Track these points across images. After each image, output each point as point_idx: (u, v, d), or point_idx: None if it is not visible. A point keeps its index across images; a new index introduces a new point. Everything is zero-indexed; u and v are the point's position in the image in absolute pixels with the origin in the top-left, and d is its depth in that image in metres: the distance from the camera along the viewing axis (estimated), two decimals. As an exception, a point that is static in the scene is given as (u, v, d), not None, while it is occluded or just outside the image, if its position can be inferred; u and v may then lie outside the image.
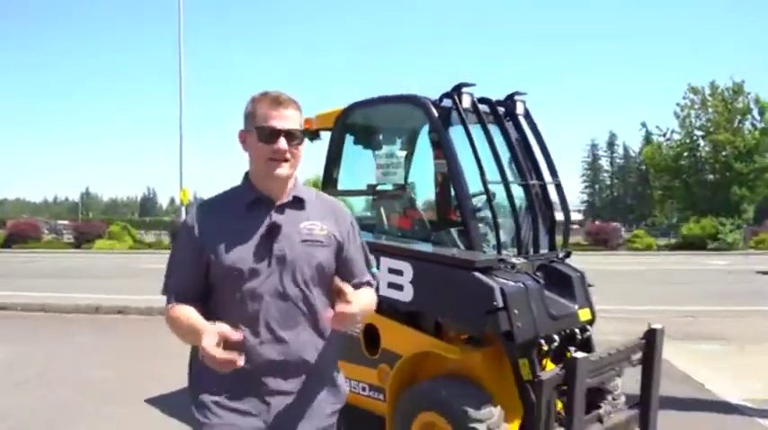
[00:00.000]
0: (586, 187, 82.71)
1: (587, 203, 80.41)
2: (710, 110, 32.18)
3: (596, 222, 36.60)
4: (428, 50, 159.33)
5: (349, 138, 3.91)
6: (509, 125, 3.56)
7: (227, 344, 1.49)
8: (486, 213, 3.31)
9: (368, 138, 4.00)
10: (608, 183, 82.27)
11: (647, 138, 36.57)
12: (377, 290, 1.91)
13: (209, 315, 1.62)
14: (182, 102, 21.59)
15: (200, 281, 1.68)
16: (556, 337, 3.05)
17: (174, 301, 1.68)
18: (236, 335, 1.50)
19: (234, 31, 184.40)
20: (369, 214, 4.00)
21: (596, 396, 3.11)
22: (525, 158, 3.57)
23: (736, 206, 30.14)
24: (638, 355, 3.14)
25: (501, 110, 3.55)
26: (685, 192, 33.19)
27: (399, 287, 3.20)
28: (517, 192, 3.40)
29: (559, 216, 3.69)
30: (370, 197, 4.03)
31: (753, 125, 31.54)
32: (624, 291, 11.59)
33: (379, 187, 3.92)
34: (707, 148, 32.71)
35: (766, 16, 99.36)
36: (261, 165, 1.68)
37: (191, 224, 1.73)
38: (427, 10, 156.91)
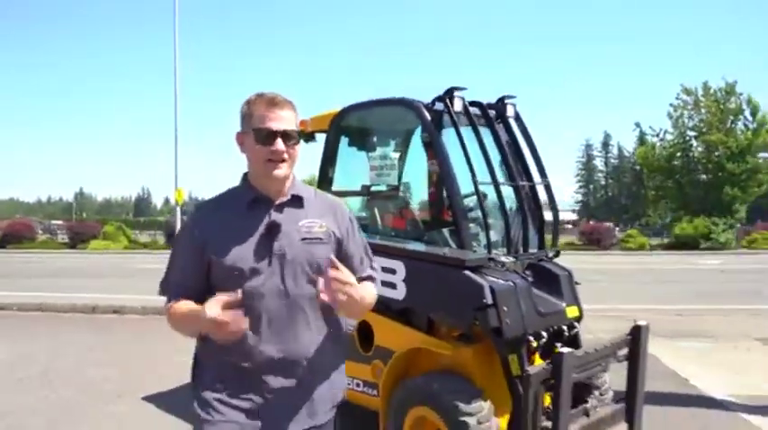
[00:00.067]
0: (581, 187, 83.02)
1: (582, 203, 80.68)
2: (703, 110, 32.35)
3: (591, 222, 36.80)
4: (430, 52, 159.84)
5: (344, 140, 3.99)
6: (500, 127, 3.66)
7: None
8: (477, 213, 3.40)
9: (362, 140, 4.09)
10: (602, 183, 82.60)
11: (642, 139, 36.72)
12: None
13: None
14: (176, 102, 21.56)
15: (200, 280, 1.69)
16: (544, 334, 3.14)
17: (173, 300, 1.70)
18: (233, 295, 1.53)
19: (235, 33, 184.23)
20: (363, 214, 4.09)
21: (584, 390, 3.21)
22: (515, 160, 3.66)
23: (728, 206, 30.31)
24: (625, 351, 3.24)
25: (492, 113, 3.64)
26: (678, 192, 33.35)
27: (392, 285, 3.29)
28: (507, 192, 3.49)
29: (548, 216, 3.79)
30: (365, 197, 4.13)
31: (745, 125, 31.70)
32: (616, 290, 11.73)
33: (372, 188, 4.02)
34: (700, 149, 32.86)
35: (762, 17, 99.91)
36: (259, 166, 1.70)
37: (191, 224, 1.76)
38: (429, 12, 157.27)
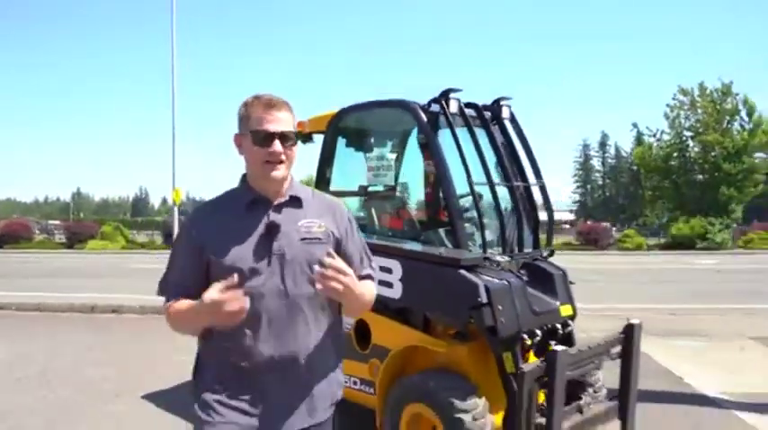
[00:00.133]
0: (578, 187, 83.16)
1: (579, 203, 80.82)
2: (699, 111, 32.47)
3: (588, 222, 36.87)
4: (428, 50, 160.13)
5: (341, 141, 4.03)
6: (495, 129, 3.71)
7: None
8: (473, 213, 3.45)
9: (359, 141, 4.13)
10: (600, 183, 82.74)
11: (639, 139, 36.81)
12: None
13: None
14: (174, 102, 21.55)
15: (199, 281, 1.67)
16: (538, 332, 3.19)
17: (172, 300, 1.71)
18: (230, 279, 1.53)
19: (233, 31, 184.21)
20: (360, 214, 4.13)
21: (577, 388, 3.25)
22: (510, 161, 3.71)
23: (724, 206, 30.41)
24: (618, 349, 3.28)
25: (487, 114, 3.69)
26: (675, 193, 33.46)
27: (389, 284, 3.33)
28: (502, 193, 3.53)
29: (543, 216, 3.84)
30: (362, 198, 4.17)
31: (741, 126, 31.84)
32: (612, 290, 11.80)
33: (370, 188, 4.06)
34: (696, 149, 32.98)
35: (760, 16, 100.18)
36: (257, 167, 1.71)
37: (189, 224, 1.77)
38: (427, 10, 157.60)
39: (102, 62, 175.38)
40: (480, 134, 3.54)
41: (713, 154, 31.43)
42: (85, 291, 10.75)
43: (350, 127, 4.05)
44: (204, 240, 1.70)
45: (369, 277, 1.88)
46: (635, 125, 37.03)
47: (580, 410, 3.16)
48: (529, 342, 3.16)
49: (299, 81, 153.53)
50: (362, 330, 3.60)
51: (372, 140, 4.12)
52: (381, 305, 3.39)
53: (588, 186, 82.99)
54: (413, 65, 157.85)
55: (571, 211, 73.58)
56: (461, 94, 3.49)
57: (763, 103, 48.20)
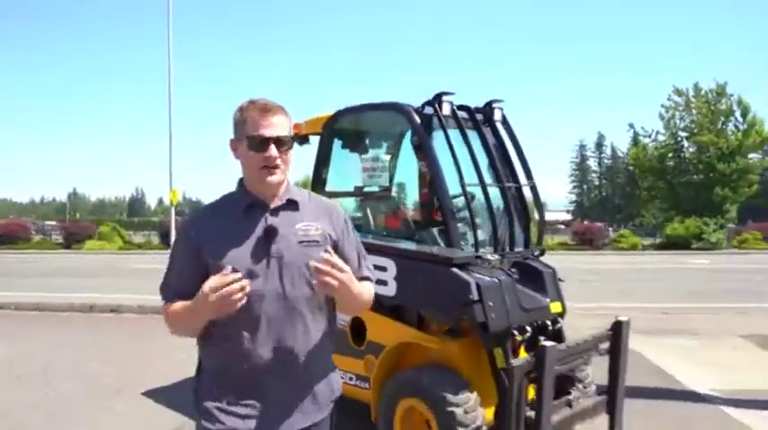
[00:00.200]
0: (575, 187, 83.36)
1: (576, 203, 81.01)
2: (694, 111, 32.63)
3: (584, 222, 36.99)
4: (427, 50, 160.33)
5: (337, 143, 4.12)
6: (487, 131, 3.79)
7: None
8: (465, 213, 3.53)
9: (355, 143, 4.22)
10: (596, 183, 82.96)
11: (635, 139, 36.94)
12: None
13: None
14: (170, 102, 21.64)
15: (198, 283, 1.64)
16: (528, 328, 3.28)
17: (171, 301, 1.72)
18: (227, 269, 1.56)
19: (232, 31, 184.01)
20: (356, 215, 4.22)
21: (567, 382, 3.34)
22: (502, 162, 3.80)
23: (719, 206, 30.55)
24: (606, 345, 3.37)
25: (479, 116, 3.78)
26: (669, 193, 33.60)
27: (384, 282, 3.41)
28: (494, 193, 3.62)
29: (534, 216, 3.93)
30: (358, 198, 4.26)
31: (735, 126, 31.99)
32: (607, 289, 11.89)
33: (365, 189, 4.15)
34: (691, 149, 33.14)
35: (758, 16, 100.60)
36: (253, 172, 1.72)
37: (187, 226, 1.79)
38: (427, 10, 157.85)
39: (100, 62, 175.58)
40: (472, 136, 3.63)
41: (708, 154, 31.56)
42: (84, 291, 10.80)
43: (345, 128, 4.14)
44: (202, 242, 1.71)
45: (367, 278, 1.92)
46: (631, 125, 37.19)
47: (569, 404, 3.24)
48: (519, 338, 3.25)
49: (299, 81, 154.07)
50: (358, 327, 3.69)
51: (368, 142, 4.21)
52: (376, 302, 3.40)
53: (585, 186, 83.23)
54: (413, 65, 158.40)
55: (568, 212, 73.73)
56: (454, 97, 3.58)
57: (759, 103, 48.59)
